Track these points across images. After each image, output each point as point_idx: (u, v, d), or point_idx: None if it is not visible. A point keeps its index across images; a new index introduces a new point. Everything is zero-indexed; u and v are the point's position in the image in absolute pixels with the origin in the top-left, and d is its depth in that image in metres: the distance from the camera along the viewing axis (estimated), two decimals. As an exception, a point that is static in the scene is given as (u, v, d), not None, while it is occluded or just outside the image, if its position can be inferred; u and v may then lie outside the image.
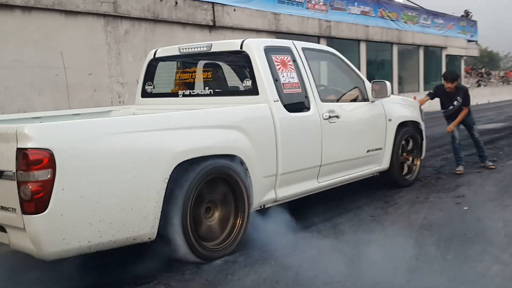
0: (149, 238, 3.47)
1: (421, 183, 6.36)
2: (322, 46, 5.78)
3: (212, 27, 12.46)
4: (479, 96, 25.24)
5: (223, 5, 12.64)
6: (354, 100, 5.46)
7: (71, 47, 9.67)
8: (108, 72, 10.38)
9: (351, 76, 5.59)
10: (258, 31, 13.53)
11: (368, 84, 5.53)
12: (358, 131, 5.34)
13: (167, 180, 3.47)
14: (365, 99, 5.52)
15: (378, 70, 20.03)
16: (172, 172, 3.51)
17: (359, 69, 16.64)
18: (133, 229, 3.35)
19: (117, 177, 3.25)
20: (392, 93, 5.55)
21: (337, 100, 5.31)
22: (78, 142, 3.10)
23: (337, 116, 4.93)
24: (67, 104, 9.63)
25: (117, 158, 3.25)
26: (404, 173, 6.15)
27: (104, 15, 10.25)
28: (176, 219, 3.55)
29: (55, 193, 2.98)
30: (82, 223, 3.12)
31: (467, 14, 26.35)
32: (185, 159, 3.59)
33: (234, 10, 12.95)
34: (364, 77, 5.63)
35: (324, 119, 4.79)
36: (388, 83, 5.45)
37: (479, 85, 28.51)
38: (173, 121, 3.69)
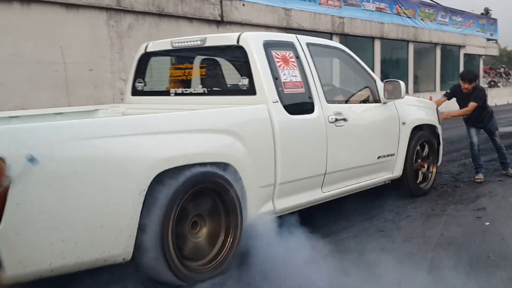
0: (124, 259, 3.03)
1: (437, 192, 5.84)
2: (330, 41, 5.28)
3: (220, 22, 12.01)
4: (497, 96, 24.48)
5: (231, -1, 12.19)
6: (364, 101, 4.97)
7: (71, 42, 9.29)
8: (110, 68, 9.99)
9: (361, 74, 5.09)
10: (267, 27, 13.04)
11: (380, 84, 5.03)
12: (368, 135, 4.84)
13: (144, 193, 3.03)
14: (377, 100, 5.02)
15: (393, 69, 19.42)
16: (151, 183, 3.06)
17: (373, 67, 16.24)
18: (103, 249, 2.92)
19: (84, 189, 2.80)
20: (407, 93, 5.04)
21: (345, 101, 4.83)
22: (37, 148, 2.66)
23: (344, 119, 4.44)
24: (66, 101, 9.26)
25: (84, 167, 2.81)
26: (418, 181, 5.63)
27: (106, 9, 9.85)
28: (156, 236, 3.09)
29: (8, 209, 2.55)
30: (41, 243, 2.69)
31: (487, 12, 25.53)
32: (166, 168, 3.14)
33: (243, 4, 12.48)
34: (375, 76, 5.13)
35: (330, 122, 4.31)
36: (402, 83, 4.95)
37: (491, 86, 27.40)
38: (153, 125, 3.23)
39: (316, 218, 4.73)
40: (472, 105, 6.16)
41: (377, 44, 17.56)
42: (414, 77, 19.82)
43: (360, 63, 5.06)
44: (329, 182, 4.43)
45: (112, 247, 2.94)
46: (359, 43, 16.44)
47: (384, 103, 5.04)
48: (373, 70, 5.17)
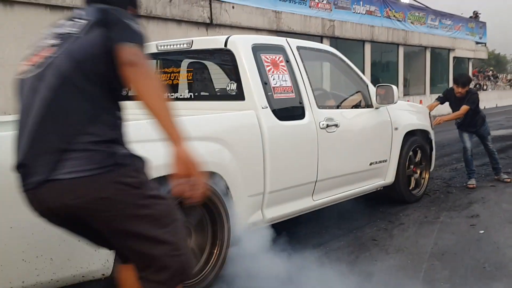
0: (103, 275, 2.86)
1: (429, 198, 5.72)
2: (321, 45, 5.17)
3: (209, 24, 11.87)
4: (486, 100, 24.55)
5: (221, 1, 12.04)
6: (356, 106, 4.84)
7: (56, 44, 9.09)
8: (96, 71, 9.79)
9: (353, 79, 4.97)
10: (257, 30, 12.93)
11: (372, 88, 4.91)
12: (360, 141, 4.71)
13: (125, 204, 2.86)
14: (369, 105, 4.90)
15: (383, 72, 19.41)
16: (132, 194, 2.90)
17: (363, 71, 16.19)
18: (81, 265, 2.75)
19: (61, 201, 2.64)
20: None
21: (337, 107, 4.71)
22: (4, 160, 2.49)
23: (336, 125, 4.31)
24: (51, 104, 9.05)
25: (61, 178, 2.64)
26: (411, 187, 5.51)
27: (92, 11, 9.66)
28: (138, 250, 2.93)
29: (-24, 224, 2.38)
30: (12, 260, 2.52)
31: (476, 15, 25.65)
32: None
33: (233, 7, 12.36)
34: (367, 81, 5.01)
35: (321, 128, 4.18)
36: (394, 87, 4.83)
37: (477, 89, 27.40)
38: (134, 132, 3.06)
39: (307, 227, 4.60)
40: (464, 108, 6.06)
41: (368, 47, 17.52)
42: (404, 80, 19.82)
43: (352, 67, 4.94)
44: (320, 189, 4.29)
45: (90, 263, 2.77)
46: (349, 46, 16.38)
47: (377, 108, 4.92)
48: (363, 73, 5.05)
